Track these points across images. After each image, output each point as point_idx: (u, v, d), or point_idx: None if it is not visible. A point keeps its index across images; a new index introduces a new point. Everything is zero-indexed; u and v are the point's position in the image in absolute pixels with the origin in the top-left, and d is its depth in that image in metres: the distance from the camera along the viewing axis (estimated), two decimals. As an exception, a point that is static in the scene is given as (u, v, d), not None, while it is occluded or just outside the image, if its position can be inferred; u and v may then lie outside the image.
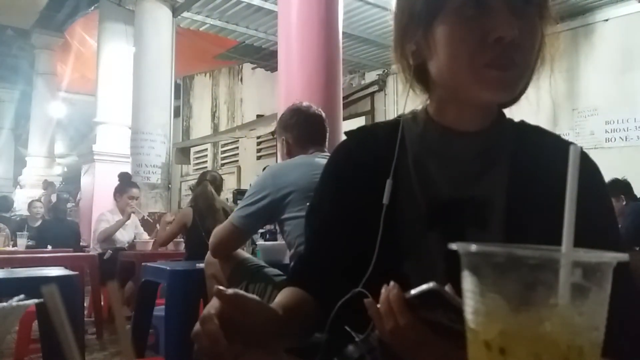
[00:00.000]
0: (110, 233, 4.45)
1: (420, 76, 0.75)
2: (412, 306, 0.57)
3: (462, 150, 0.75)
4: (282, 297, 0.77)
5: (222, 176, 4.32)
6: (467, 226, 0.71)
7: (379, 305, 0.59)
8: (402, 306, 0.57)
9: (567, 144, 0.51)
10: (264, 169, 2.14)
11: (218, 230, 1.95)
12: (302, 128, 2.07)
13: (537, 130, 0.79)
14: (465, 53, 0.66)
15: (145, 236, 4.74)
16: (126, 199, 4.70)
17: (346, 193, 0.79)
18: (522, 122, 0.80)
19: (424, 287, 0.54)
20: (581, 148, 0.71)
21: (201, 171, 10.02)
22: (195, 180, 4.19)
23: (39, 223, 6.14)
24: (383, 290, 0.60)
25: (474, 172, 0.74)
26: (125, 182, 4.94)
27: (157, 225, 4.86)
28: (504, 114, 0.78)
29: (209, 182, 3.92)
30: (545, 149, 0.74)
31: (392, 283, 0.59)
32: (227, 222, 1.94)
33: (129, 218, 4.49)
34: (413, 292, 0.56)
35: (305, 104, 2.16)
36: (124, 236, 4.62)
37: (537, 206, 0.68)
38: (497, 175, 0.73)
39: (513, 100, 0.74)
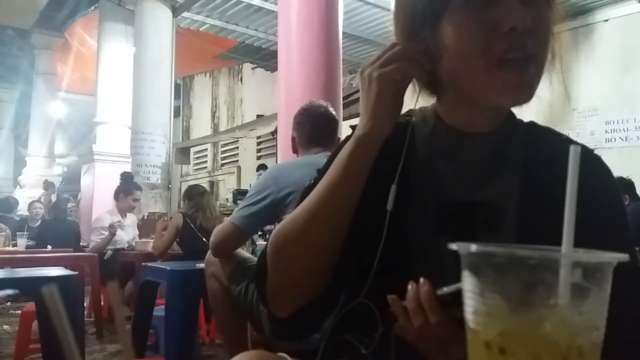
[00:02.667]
0: (101, 247, 4.40)
1: (428, 78, 0.72)
2: (443, 304, 0.56)
3: (473, 152, 0.72)
4: None
5: (222, 176, 4.45)
6: (478, 229, 0.70)
7: (404, 303, 0.58)
8: (433, 303, 0.56)
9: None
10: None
11: (219, 230, 1.95)
12: (306, 128, 2.08)
13: (548, 131, 0.78)
14: (478, 47, 0.63)
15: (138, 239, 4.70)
16: (129, 201, 4.68)
17: None
18: (533, 123, 0.78)
19: (459, 284, 0.53)
20: (592, 150, 0.71)
21: (201, 171, 10.03)
22: (189, 187, 4.32)
23: (38, 223, 6.13)
24: (410, 287, 0.58)
25: (485, 174, 0.72)
26: (128, 183, 4.87)
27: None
28: (514, 114, 0.76)
29: (208, 193, 4.10)
30: (556, 150, 0.70)
31: (421, 280, 0.58)
32: (228, 221, 1.95)
33: (113, 236, 4.42)
34: (446, 289, 0.54)
35: (316, 103, 2.17)
36: (124, 236, 4.61)
37: (548, 208, 0.65)
38: (509, 177, 0.71)
39: None
